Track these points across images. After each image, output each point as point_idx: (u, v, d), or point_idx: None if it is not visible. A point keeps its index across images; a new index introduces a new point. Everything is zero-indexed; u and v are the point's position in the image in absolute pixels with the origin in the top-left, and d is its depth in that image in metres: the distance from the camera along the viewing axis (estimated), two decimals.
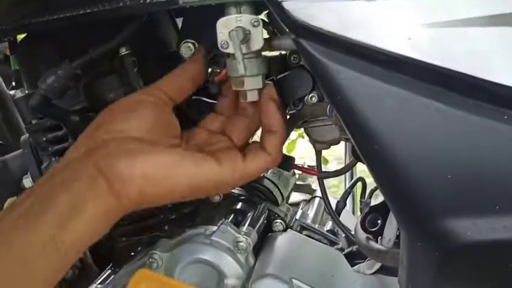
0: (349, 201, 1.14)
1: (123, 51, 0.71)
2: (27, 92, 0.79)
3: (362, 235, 0.70)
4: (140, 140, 0.55)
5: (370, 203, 0.90)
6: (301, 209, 0.91)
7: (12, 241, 0.46)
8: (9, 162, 0.81)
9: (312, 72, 0.56)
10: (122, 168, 0.52)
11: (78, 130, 0.74)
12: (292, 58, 0.73)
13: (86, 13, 0.62)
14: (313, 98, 0.73)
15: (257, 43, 0.59)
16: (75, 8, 0.62)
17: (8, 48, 0.98)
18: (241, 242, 0.66)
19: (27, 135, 0.80)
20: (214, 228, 0.69)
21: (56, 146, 0.77)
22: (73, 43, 0.74)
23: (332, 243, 0.78)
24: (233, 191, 0.78)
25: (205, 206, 0.77)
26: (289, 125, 0.78)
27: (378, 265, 0.69)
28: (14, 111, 0.98)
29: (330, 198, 0.85)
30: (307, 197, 0.99)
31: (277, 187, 0.82)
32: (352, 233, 0.79)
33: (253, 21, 0.58)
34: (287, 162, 0.75)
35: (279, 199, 0.80)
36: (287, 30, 0.57)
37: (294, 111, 0.76)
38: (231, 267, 0.66)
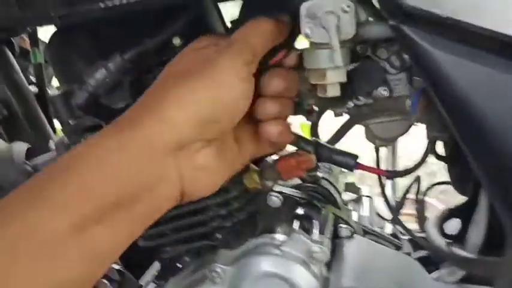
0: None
1: (178, 42, 0.63)
2: (62, 89, 0.70)
3: (440, 240, 0.64)
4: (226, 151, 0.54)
5: (424, 201, 0.84)
6: (353, 210, 0.86)
7: None
8: (41, 167, 0.73)
9: (416, 63, 0.50)
10: (201, 191, 0.51)
11: None
12: (359, 48, 0.67)
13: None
14: (385, 92, 0.67)
15: (348, 31, 0.52)
16: None
17: (30, 41, 0.89)
18: (316, 252, 0.60)
19: (62, 136, 0.71)
20: (283, 237, 0.63)
21: None
22: (117, 34, 0.66)
23: (397, 248, 0.73)
24: (291, 193, 0.71)
25: (263, 211, 0.71)
26: (353, 120, 0.72)
27: (461, 273, 0.64)
28: (36, 108, 0.90)
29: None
30: (353, 196, 0.93)
31: (335, 187, 0.76)
32: (418, 235, 0.74)
33: (344, 5, 0.51)
34: (349, 160, 0.69)
35: (339, 200, 0.74)
36: (386, 15, 0.50)
37: (359, 105, 0.70)
38: (306, 281, 0.59)
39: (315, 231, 0.65)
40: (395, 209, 0.78)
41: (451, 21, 0.48)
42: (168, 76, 0.52)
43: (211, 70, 0.49)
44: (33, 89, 0.92)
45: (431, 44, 0.49)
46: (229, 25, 0.77)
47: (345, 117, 0.76)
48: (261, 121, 0.56)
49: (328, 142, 0.79)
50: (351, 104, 0.73)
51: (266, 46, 0.53)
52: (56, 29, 0.69)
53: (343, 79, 0.56)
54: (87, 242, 0.42)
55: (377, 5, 0.52)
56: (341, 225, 0.69)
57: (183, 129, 0.47)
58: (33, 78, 0.95)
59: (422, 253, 0.72)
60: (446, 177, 0.73)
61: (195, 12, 0.62)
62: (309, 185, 0.74)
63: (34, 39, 0.89)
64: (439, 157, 0.66)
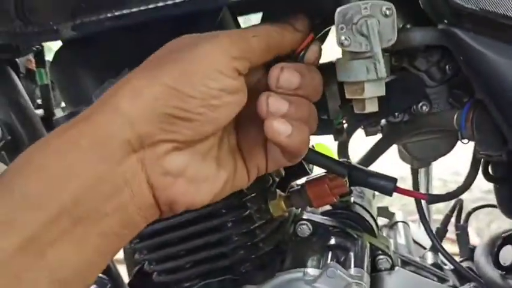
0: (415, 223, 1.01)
1: None
2: (69, 111, 0.65)
3: (493, 271, 0.57)
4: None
5: (467, 227, 0.77)
6: (388, 237, 0.78)
7: None
8: None
9: (471, 70, 0.44)
10: (182, 203, 0.43)
11: None
12: (394, 60, 0.61)
13: (158, 7, 0.48)
14: (424, 107, 0.61)
15: (389, 38, 0.46)
16: (140, 2, 0.48)
17: (35, 61, 0.85)
18: None
19: None
20: (315, 271, 0.56)
21: None
22: (128, 49, 0.60)
23: (441, 280, 0.65)
24: (322, 221, 0.64)
25: (291, 241, 0.64)
26: (389, 139, 0.65)
27: None
28: (42, 132, 0.84)
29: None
30: (387, 221, 0.86)
31: (369, 213, 0.69)
32: (465, 265, 0.67)
33: (384, 9, 0.45)
34: (388, 184, 0.61)
35: (375, 228, 0.67)
36: (433, 17, 0.44)
37: (395, 122, 0.63)
38: None
39: (351, 264, 0.58)
40: (438, 236, 0.70)
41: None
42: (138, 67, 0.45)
43: (183, 57, 0.41)
44: (40, 112, 0.87)
45: (489, 49, 0.42)
46: None
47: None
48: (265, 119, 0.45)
49: (359, 163, 0.72)
50: (384, 121, 0.67)
51: (267, 53, 0.44)
52: (61, 46, 0.64)
53: (383, 92, 0.49)
54: (43, 264, 0.35)
55: (421, 6, 0.45)
56: (379, 256, 0.62)
57: (137, 123, 0.39)
58: (40, 101, 0.90)
59: (470, 286, 0.64)
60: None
61: (213, 25, 0.57)
62: (341, 211, 0.67)
63: (40, 59, 0.85)
64: (490, 178, 0.59)
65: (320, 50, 0.49)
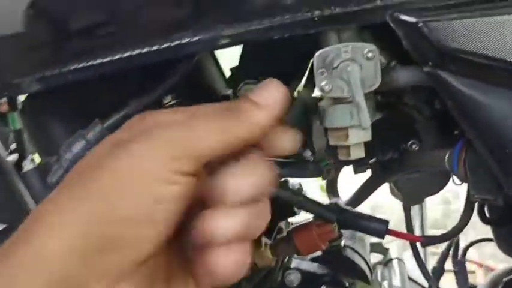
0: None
1: (169, 100, 0.54)
2: (39, 162, 0.61)
3: None
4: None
5: (465, 262, 0.73)
6: (383, 276, 0.75)
7: None
8: None
9: (459, 113, 0.41)
10: None
11: None
12: (380, 97, 0.58)
13: (124, 58, 0.45)
14: (414, 146, 0.58)
15: (372, 83, 0.43)
16: (108, 51, 0.45)
17: (7, 105, 0.80)
18: None
19: None
20: None
21: None
22: (99, 97, 0.57)
23: None
24: (312, 268, 0.61)
25: None
26: (378, 178, 0.62)
27: None
28: (14, 180, 0.80)
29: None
30: (381, 257, 0.82)
31: (361, 256, 0.65)
32: None
33: (366, 51, 0.42)
34: (379, 226, 0.58)
35: (367, 273, 0.64)
36: (418, 59, 0.41)
37: (385, 160, 0.60)
38: None
39: None
40: (435, 275, 0.67)
41: (501, 63, 0.38)
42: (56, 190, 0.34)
43: (108, 171, 0.31)
44: (14, 157, 0.83)
45: (476, 91, 0.39)
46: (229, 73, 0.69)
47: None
48: (205, 247, 0.33)
49: (348, 204, 0.68)
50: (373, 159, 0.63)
51: (220, 147, 0.32)
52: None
53: (369, 137, 0.46)
54: None
55: (405, 47, 0.42)
56: None
57: (57, 266, 0.30)
58: (13, 146, 0.86)
59: None
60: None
61: (188, 66, 0.53)
62: (331, 256, 0.64)
63: (12, 103, 0.81)
64: (486, 220, 0.55)
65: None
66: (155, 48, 0.43)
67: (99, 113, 0.52)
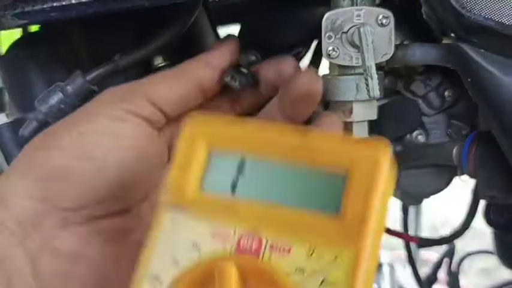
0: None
1: (160, 61, 0.50)
2: (14, 117, 0.56)
3: None
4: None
5: (458, 274, 0.69)
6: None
7: None
8: None
9: (480, 95, 0.36)
10: None
11: None
12: (387, 82, 0.54)
13: None
14: (420, 137, 0.53)
15: (384, 52, 0.39)
16: None
17: None
18: None
19: None
20: None
21: None
22: (82, 47, 0.53)
23: None
24: None
25: None
26: None
27: None
28: None
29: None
30: None
31: None
32: None
33: (381, 17, 0.38)
34: None
35: None
36: (438, 30, 0.37)
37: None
38: None
39: None
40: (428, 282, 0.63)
41: None
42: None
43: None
44: None
45: (503, 69, 0.35)
46: None
47: None
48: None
49: None
50: None
51: (175, 92, 0.36)
52: (13, 42, 0.56)
53: (374, 116, 0.42)
54: None
55: (424, 17, 0.38)
56: None
57: (13, 206, 0.31)
58: None
59: None
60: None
61: (182, 30, 0.49)
62: None
63: None
64: (491, 222, 0.51)
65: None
66: None
67: (81, 66, 0.47)
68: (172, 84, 0.35)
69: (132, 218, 0.34)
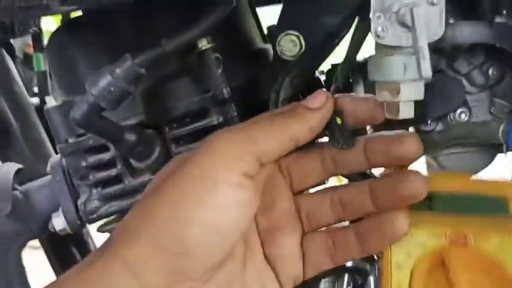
0: None
1: (204, 44, 0.50)
2: (62, 100, 0.58)
3: None
4: None
5: None
6: None
7: None
8: (32, 194, 0.61)
9: None
10: None
11: (133, 153, 0.54)
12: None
13: None
14: (463, 115, 0.53)
15: (435, 32, 0.38)
16: None
17: (33, 45, 0.78)
18: None
19: (59, 156, 0.59)
20: None
21: (100, 172, 0.56)
22: (129, 32, 0.54)
23: None
24: None
25: None
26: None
27: None
28: (36, 123, 0.78)
29: None
30: None
31: None
32: None
33: None
34: None
35: None
36: (491, 8, 0.37)
37: (428, 131, 0.55)
38: None
39: None
40: None
41: None
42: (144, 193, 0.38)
43: (181, 182, 0.34)
44: (36, 100, 0.81)
45: None
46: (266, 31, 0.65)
47: None
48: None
49: None
50: (412, 129, 0.59)
51: (279, 149, 0.36)
52: (57, 27, 0.57)
53: (421, 96, 0.42)
54: None
55: None
56: None
57: (141, 272, 0.32)
58: (36, 89, 0.84)
59: None
60: None
61: (227, 11, 0.49)
62: None
63: (38, 44, 0.78)
64: None
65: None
66: None
67: (128, 50, 0.48)
68: (275, 142, 0.35)
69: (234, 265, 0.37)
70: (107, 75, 0.47)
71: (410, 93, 0.42)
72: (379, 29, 0.39)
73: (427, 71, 0.35)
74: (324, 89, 0.40)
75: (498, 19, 0.36)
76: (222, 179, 0.34)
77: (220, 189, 0.33)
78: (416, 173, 0.38)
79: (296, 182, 0.41)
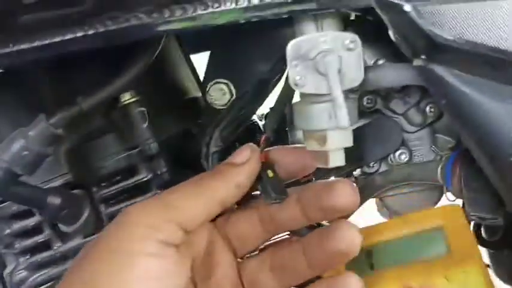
0: None
1: (127, 98, 0.48)
2: None
3: None
4: None
5: None
6: None
7: None
8: None
9: (456, 118, 0.35)
10: None
11: (59, 217, 0.50)
12: (366, 101, 0.52)
13: (73, 39, 0.38)
14: (403, 156, 0.52)
15: (354, 77, 0.37)
16: (54, 31, 0.38)
17: None
18: None
19: None
20: None
21: (27, 240, 0.52)
22: (48, 89, 0.51)
23: None
24: None
25: None
26: (364, 193, 0.55)
27: None
28: None
29: None
30: None
31: None
32: None
33: (348, 41, 0.36)
34: None
35: None
36: (408, 52, 0.35)
37: (370, 173, 0.54)
38: None
39: None
40: None
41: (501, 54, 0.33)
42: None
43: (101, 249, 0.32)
44: None
45: (478, 90, 0.34)
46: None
47: None
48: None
49: None
50: (357, 171, 0.57)
51: (200, 212, 0.34)
52: None
53: (350, 143, 0.40)
54: None
55: (393, 39, 0.37)
56: None
57: None
58: None
59: None
60: None
61: (148, 63, 0.47)
62: None
63: None
64: (483, 242, 0.49)
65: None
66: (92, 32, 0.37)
67: (45, 109, 0.45)
68: (198, 205, 0.33)
69: None
70: (20, 139, 0.43)
71: (338, 141, 0.39)
72: (297, 77, 0.37)
73: (343, 120, 0.33)
74: (251, 143, 0.38)
75: (417, 62, 0.35)
76: (139, 250, 0.31)
77: (137, 261, 0.31)
78: (347, 223, 0.36)
79: (238, 246, 0.39)
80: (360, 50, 0.36)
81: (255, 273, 0.38)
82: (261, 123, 0.61)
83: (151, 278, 0.31)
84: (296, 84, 0.37)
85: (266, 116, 0.61)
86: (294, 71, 0.37)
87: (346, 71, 0.36)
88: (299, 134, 0.55)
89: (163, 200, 0.33)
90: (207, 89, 0.51)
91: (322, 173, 0.55)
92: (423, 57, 0.34)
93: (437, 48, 0.33)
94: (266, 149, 0.39)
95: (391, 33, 0.35)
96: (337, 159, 0.40)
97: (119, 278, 0.30)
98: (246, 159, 0.36)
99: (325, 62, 0.34)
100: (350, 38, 0.36)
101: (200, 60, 0.65)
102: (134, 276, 0.30)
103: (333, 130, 0.39)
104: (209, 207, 0.34)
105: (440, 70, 0.34)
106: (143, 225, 0.32)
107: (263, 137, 0.50)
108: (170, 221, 0.32)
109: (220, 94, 0.51)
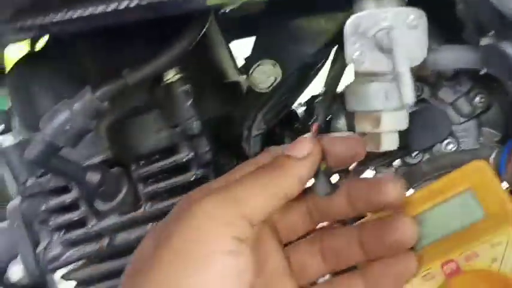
0: None
1: (172, 75, 0.47)
2: (21, 137, 0.54)
3: None
4: None
5: None
6: None
7: None
8: None
9: None
10: None
11: (96, 194, 0.50)
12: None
13: (119, 10, 0.38)
14: (450, 146, 0.50)
15: (416, 56, 0.35)
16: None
17: None
18: None
19: (18, 200, 0.54)
20: None
21: (61, 217, 0.52)
22: (91, 63, 0.50)
23: None
24: None
25: None
26: (408, 184, 0.54)
27: None
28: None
29: None
30: None
31: None
32: None
33: (411, 18, 0.35)
34: None
35: None
36: (477, 30, 0.34)
37: (413, 163, 0.52)
38: None
39: None
40: None
41: None
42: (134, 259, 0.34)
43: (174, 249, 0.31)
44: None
45: None
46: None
47: None
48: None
49: None
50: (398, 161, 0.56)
51: (269, 205, 0.33)
52: (18, 59, 0.54)
53: (405, 125, 0.39)
54: None
55: (458, 15, 0.35)
56: None
57: None
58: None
59: None
60: None
61: (193, 42, 0.46)
62: None
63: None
64: None
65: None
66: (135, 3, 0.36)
67: (90, 81, 0.45)
68: (265, 199, 0.32)
69: None
70: (65, 110, 0.43)
71: (392, 123, 0.38)
72: (356, 54, 0.36)
73: (409, 97, 0.32)
74: (307, 134, 0.36)
75: (484, 41, 0.33)
76: (215, 249, 0.30)
77: (213, 260, 0.30)
78: (403, 219, 0.35)
79: (284, 235, 0.38)
80: (425, 27, 0.35)
81: (303, 257, 0.37)
82: (300, 111, 0.60)
83: (227, 276, 0.30)
84: (354, 62, 0.36)
85: (307, 103, 0.60)
86: (352, 48, 0.36)
87: (409, 48, 0.35)
88: (341, 123, 0.54)
89: (230, 192, 0.32)
90: (251, 71, 0.50)
91: (364, 161, 0.54)
92: (492, 33, 0.33)
93: (507, 25, 0.32)
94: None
95: (458, 9, 0.33)
96: (390, 143, 0.39)
97: (194, 279, 0.29)
98: (308, 153, 0.34)
99: (390, 37, 0.33)
100: (414, 14, 0.35)
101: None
102: (211, 276, 0.30)
103: (388, 111, 0.38)
104: (275, 202, 0.33)
105: (510, 48, 0.32)
106: (220, 222, 0.31)
107: (315, 126, 0.49)
108: (243, 217, 0.31)
109: (264, 77, 0.50)
